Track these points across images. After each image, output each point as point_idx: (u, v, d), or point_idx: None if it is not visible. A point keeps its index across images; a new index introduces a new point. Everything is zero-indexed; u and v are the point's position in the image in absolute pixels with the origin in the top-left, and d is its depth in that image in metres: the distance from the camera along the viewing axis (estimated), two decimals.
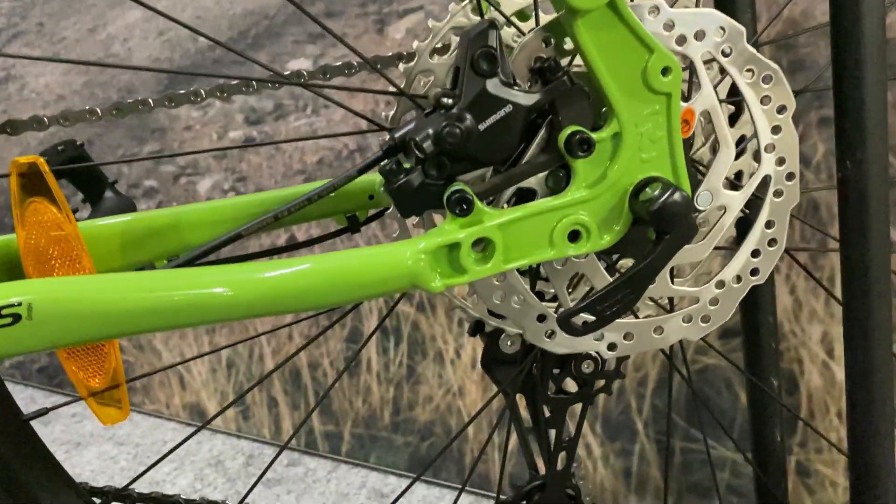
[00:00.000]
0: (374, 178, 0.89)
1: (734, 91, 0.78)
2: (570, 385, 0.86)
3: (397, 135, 0.63)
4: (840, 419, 1.26)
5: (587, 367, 0.85)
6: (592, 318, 0.63)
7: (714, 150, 0.82)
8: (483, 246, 0.61)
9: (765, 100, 0.67)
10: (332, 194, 0.85)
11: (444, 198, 0.60)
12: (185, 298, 0.57)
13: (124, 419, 0.76)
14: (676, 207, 0.59)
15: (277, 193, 0.81)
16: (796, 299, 1.24)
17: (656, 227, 0.60)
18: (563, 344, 0.70)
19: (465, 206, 0.59)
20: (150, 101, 0.79)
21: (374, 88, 0.70)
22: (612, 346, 0.71)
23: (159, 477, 1.63)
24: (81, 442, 1.79)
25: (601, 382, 0.88)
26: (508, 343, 0.87)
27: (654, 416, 1.38)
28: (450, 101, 0.60)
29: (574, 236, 0.62)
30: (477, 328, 0.89)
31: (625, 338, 0.70)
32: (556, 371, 0.87)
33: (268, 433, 1.73)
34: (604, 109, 0.63)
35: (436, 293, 0.60)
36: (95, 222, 0.80)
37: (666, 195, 0.59)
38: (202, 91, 0.79)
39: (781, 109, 0.68)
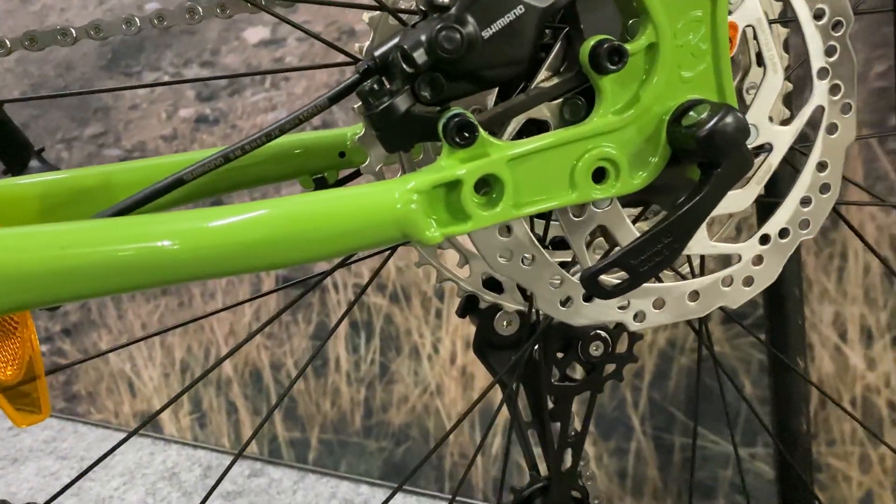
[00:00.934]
0: (344, 132, 0.76)
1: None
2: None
3: (378, 52, 0.51)
4: (854, 407, 1.16)
5: (596, 350, 0.74)
6: (615, 278, 0.51)
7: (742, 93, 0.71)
8: (489, 187, 0.49)
9: (818, 14, 0.56)
10: (298, 150, 0.73)
11: (440, 125, 0.48)
12: (115, 255, 0.44)
13: (42, 420, 0.62)
14: (731, 132, 0.47)
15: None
16: (805, 278, 1.14)
17: (706, 157, 0.48)
18: (581, 313, 0.58)
19: (466, 135, 0.47)
20: (73, 30, 0.65)
21: (351, 3, 0.57)
22: (639, 316, 0.58)
23: (106, 493, 1.47)
24: (19, 457, 1.63)
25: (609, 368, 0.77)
26: (505, 323, 0.75)
27: (651, 411, 1.27)
28: (446, 0, 0.47)
29: (600, 175, 0.50)
30: (467, 307, 0.77)
31: (654, 305, 0.58)
32: (559, 355, 0.75)
33: (227, 442, 1.58)
34: (630, 22, 0.52)
35: (432, 244, 0.48)
36: (10, 181, 0.66)
37: (718, 117, 0.47)
38: (136, 19, 0.65)
39: (837, 26, 0.56)
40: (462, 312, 0.77)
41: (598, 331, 0.73)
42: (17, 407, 0.63)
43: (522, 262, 0.56)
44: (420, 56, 0.46)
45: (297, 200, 0.46)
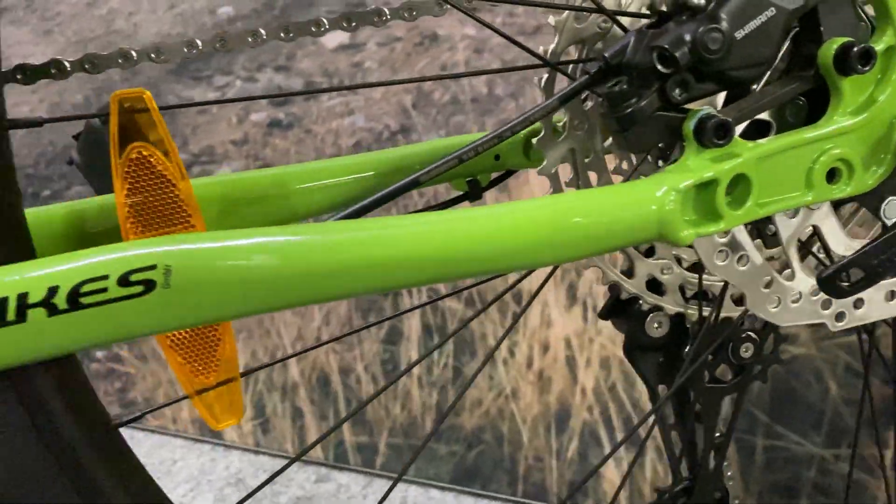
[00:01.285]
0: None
1: None
2: None
3: (609, 53, 0.51)
4: None
5: (746, 351, 0.75)
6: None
7: None
8: (733, 187, 0.49)
9: None
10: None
11: (691, 125, 0.48)
12: (389, 254, 0.44)
13: (238, 421, 0.62)
14: None
15: (411, 149, 0.68)
16: None
17: None
18: (788, 314, 0.58)
19: (723, 134, 0.47)
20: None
21: (566, 5, 0.57)
22: (840, 316, 0.59)
23: (175, 499, 1.45)
24: None
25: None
26: (655, 325, 0.76)
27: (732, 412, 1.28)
28: (701, 1, 0.48)
29: (831, 175, 0.51)
30: (612, 310, 0.77)
31: (854, 306, 0.59)
32: (709, 357, 0.76)
33: (291, 447, 1.57)
34: (857, 23, 0.53)
35: (685, 244, 0.48)
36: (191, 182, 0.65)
37: None
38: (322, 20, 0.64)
39: None
40: (606, 314, 0.78)
41: (749, 332, 0.74)
42: (212, 409, 0.63)
43: (738, 263, 0.56)
44: (683, 56, 0.47)
45: (560, 199, 0.46)
